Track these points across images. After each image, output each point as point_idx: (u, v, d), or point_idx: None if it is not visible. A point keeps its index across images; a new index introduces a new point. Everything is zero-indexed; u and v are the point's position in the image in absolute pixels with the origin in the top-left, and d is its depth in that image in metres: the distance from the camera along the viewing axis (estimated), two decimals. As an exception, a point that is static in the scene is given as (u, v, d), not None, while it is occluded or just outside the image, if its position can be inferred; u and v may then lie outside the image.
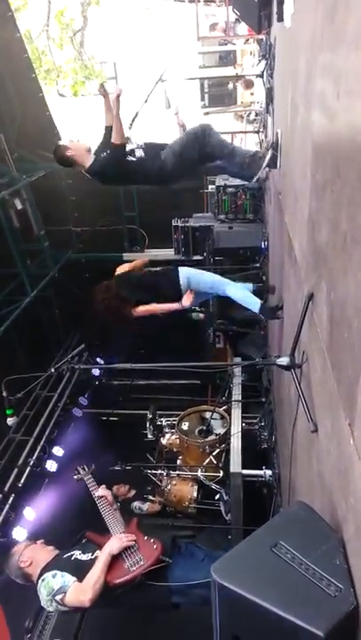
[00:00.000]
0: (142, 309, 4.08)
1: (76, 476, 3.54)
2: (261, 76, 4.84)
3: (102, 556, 2.88)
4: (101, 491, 3.36)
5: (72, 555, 3.00)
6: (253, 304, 3.95)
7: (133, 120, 4.85)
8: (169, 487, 4.57)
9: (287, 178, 2.86)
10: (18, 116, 6.03)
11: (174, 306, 4.08)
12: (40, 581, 2.84)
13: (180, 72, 7.15)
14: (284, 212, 3.00)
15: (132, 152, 3.95)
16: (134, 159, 3.93)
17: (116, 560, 2.91)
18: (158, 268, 4.39)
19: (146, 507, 4.61)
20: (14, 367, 5.67)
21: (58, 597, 2.74)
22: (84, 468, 3.54)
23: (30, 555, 3.03)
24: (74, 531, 3.78)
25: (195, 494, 4.51)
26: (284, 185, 3.06)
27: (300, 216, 2.18)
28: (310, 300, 1.86)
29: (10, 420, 3.01)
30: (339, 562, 1.23)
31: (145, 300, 4.10)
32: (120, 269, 4.31)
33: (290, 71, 2.65)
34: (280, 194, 3.34)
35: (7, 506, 4.63)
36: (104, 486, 3.42)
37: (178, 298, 4.09)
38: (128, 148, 3.94)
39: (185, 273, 4.17)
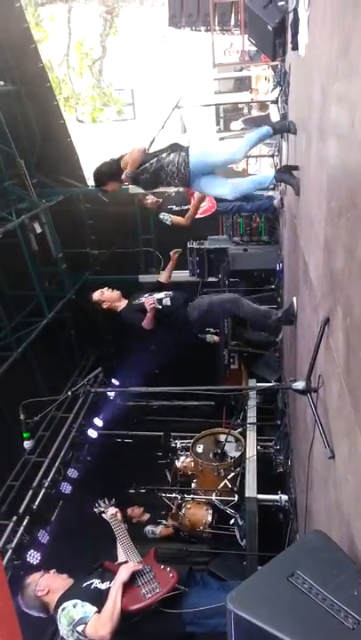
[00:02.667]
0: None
1: (96, 509, 3.56)
2: (276, 102, 4.91)
3: (115, 585, 2.86)
4: (112, 509, 3.37)
5: (91, 583, 2.97)
6: (266, 178, 3.99)
7: (150, 145, 4.95)
8: (183, 511, 4.52)
9: (302, 203, 2.89)
10: (38, 143, 6.19)
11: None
12: (60, 610, 2.80)
13: (196, 98, 7.28)
14: (300, 236, 3.02)
15: (160, 300, 4.11)
16: (160, 306, 4.07)
17: (132, 587, 2.91)
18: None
19: (159, 530, 4.56)
20: (31, 388, 5.74)
21: (79, 628, 2.70)
22: (104, 501, 3.57)
23: (46, 583, 2.99)
24: (87, 554, 3.75)
25: (209, 519, 4.45)
26: (300, 210, 3.08)
27: (316, 241, 2.19)
28: (326, 324, 1.86)
29: (27, 444, 3.02)
30: (357, 593, 1.21)
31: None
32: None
33: (304, 98, 2.69)
34: (295, 218, 3.37)
35: (22, 528, 4.61)
36: (114, 502, 3.47)
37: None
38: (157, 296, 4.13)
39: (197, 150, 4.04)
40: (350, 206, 1.42)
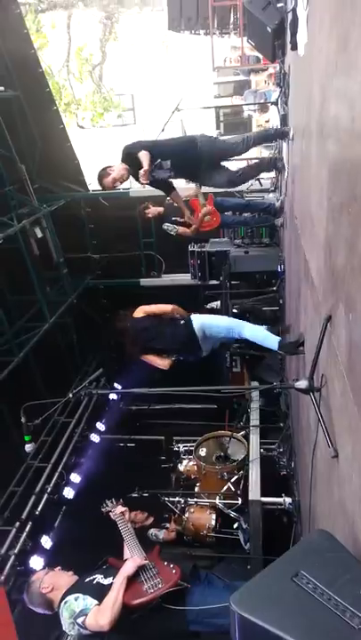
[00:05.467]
0: (149, 358, 4.30)
1: (103, 509, 3.57)
2: (276, 103, 4.92)
3: (118, 578, 2.87)
4: (120, 508, 3.38)
5: (94, 578, 2.99)
6: (273, 342, 3.79)
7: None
8: (187, 515, 4.49)
9: (303, 201, 2.88)
10: (38, 148, 6.21)
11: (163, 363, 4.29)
12: (62, 604, 2.83)
13: (196, 102, 7.31)
14: (301, 235, 3.01)
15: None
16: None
17: (135, 583, 2.91)
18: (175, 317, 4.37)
19: (162, 534, 4.52)
20: (32, 392, 5.72)
21: (79, 620, 2.73)
22: (112, 501, 3.58)
23: (51, 580, 3.02)
24: (91, 559, 3.73)
25: (213, 522, 4.41)
26: (300, 208, 3.07)
27: (317, 239, 2.18)
28: (328, 322, 1.85)
29: (28, 447, 3.01)
30: (362, 593, 1.19)
31: (158, 348, 4.25)
32: (139, 312, 4.31)
33: (304, 97, 2.69)
34: (296, 217, 3.36)
35: (24, 534, 4.59)
36: (122, 502, 3.49)
37: (194, 347, 4.20)
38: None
39: (199, 322, 4.13)
40: (351, 200, 1.41)
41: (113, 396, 6.54)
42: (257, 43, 4.80)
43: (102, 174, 4.50)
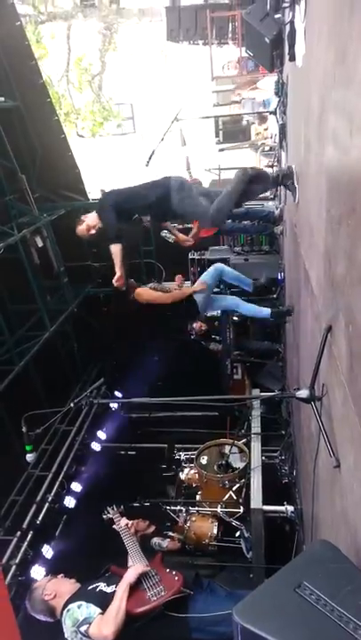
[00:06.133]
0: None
1: (104, 516, 3.57)
2: (275, 112, 4.96)
3: (121, 586, 2.87)
4: (124, 520, 3.37)
5: (97, 586, 2.99)
6: (264, 312, 4.41)
7: (150, 158, 4.99)
8: (188, 524, 4.47)
9: (302, 211, 2.89)
10: (39, 157, 6.24)
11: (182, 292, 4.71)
12: (65, 612, 2.82)
13: (195, 111, 7.35)
14: (300, 244, 3.02)
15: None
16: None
17: (137, 591, 2.91)
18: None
19: (165, 543, 4.51)
20: (33, 401, 5.72)
21: (83, 628, 2.71)
22: (113, 508, 3.58)
23: (54, 587, 3.02)
24: (93, 567, 3.72)
25: (215, 531, 4.40)
26: (300, 218, 3.09)
27: (316, 249, 2.19)
28: (328, 332, 1.86)
29: (29, 457, 3.00)
30: (366, 603, 1.19)
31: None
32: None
33: (303, 108, 2.71)
34: (295, 226, 3.38)
35: (25, 543, 4.57)
36: (122, 509, 3.49)
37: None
38: None
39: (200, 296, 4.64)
40: (350, 213, 1.42)
41: (114, 405, 6.53)
42: (255, 53, 4.84)
43: (77, 223, 4.58)
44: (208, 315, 5.06)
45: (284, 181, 3.38)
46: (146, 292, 5.03)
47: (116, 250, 4.23)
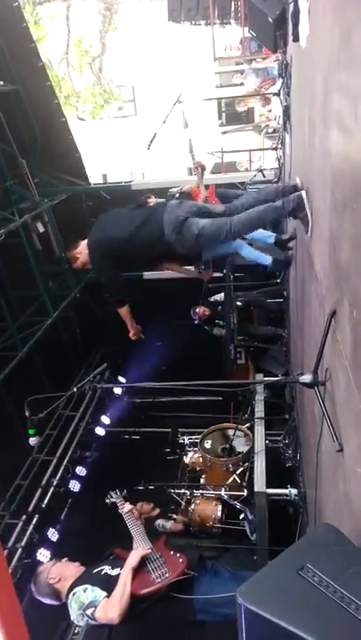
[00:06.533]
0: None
1: (108, 500, 3.60)
2: (278, 94, 4.89)
3: (125, 569, 2.92)
4: (128, 506, 3.41)
5: (102, 569, 3.04)
6: (267, 260, 3.96)
7: (152, 141, 4.94)
8: (192, 507, 4.52)
9: (307, 194, 2.87)
10: (39, 142, 6.19)
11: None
12: (71, 595, 2.87)
13: (198, 93, 7.26)
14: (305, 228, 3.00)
15: None
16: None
17: (142, 573, 2.96)
18: None
19: (169, 525, 4.56)
20: (37, 387, 5.74)
21: (89, 612, 2.77)
22: (116, 492, 3.61)
23: (58, 571, 3.06)
24: (98, 550, 3.77)
25: (219, 514, 4.45)
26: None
27: (321, 234, 2.18)
28: (333, 317, 1.85)
29: (32, 440, 3.03)
30: (368, 585, 1.20)
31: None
32: None
33: (307, 90, 2.67)
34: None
35: (31, 527, 4.63)
36: (125, 493, 3.53)
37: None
38: None
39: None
40: (355, 196, 1.41)
41: (117, 390, 6.56)
42: (258, 33, 4.75)
43: (69, 257, 4.06)
44: (205, 260, 4.37)
45: (297, 214, 2.88)
46: None
47: (124, 312, 3.90)
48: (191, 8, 8.68)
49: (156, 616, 2.94)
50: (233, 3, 8.24)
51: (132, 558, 2.99)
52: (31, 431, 3.00)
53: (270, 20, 4.03)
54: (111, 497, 3.60)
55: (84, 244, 3.86)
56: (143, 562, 3.02)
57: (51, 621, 3.90)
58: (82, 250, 3.87)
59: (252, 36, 5.36)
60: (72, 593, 2.87)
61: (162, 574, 2.97)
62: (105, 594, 2.81)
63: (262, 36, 4.65)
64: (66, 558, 3.24)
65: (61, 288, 6.43)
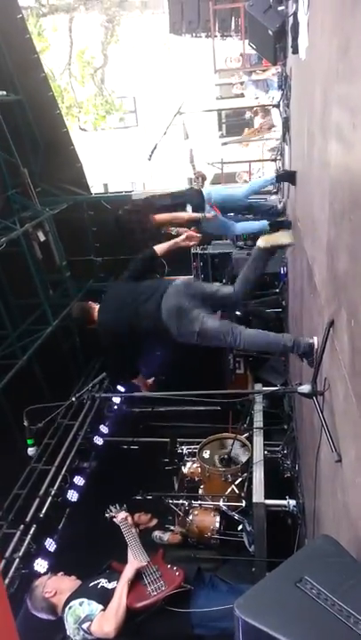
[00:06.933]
0: (163, 217, 4.20)
1: (107, 514, 3.57)
2: (278, 105, 4.93)
3: (120, 582, 2.90)
4: (122, 513, 3.38)
5: (98, 583, 3.02)
6: (260, 224, 4.20)
7: (153, 151, 4.98)
8: (190, 517, 4.49)
9: (305, 206, 2.88)
10: (41, 151, 6.23)
11: (194, 215, 4.27)
12: (67, 609, 2.85)
13: (198, 104, 7.32)
14: (303, 239, 3.01)
15: None
16: None
17: (138, 586, 2.94)
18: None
19: (167, 537, 4.53)
20: (36, 396, 5.73)
21: (85, 626, 2.75)
22: (115, 507, 3.59)
23: (54, 585, 3.04)
24: (95, 561, 3.74)
25: (217, 525, 4.41)
26: (303, 212, 3.08)
27: (319, 244, 2.18)
28: (331, 327, 1.85)
29: (30, 451, 3.02)
30: (367, 598, 1.19)
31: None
32: None
33: (306, 101, 2.69)
34: (298, 221, 3.36)
35: (29, 537, 4.59)
36: (125, 508, 3.49)
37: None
38: None
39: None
40: (353, 208, 1.42)
41: (116, 399, 6.54)
42: (258, 45, 4.81)
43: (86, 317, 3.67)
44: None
45: (306, 357, 2.72)
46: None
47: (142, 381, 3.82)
48: (192, 21, 8.78)
49: (152, 630, 2.91)
50: (233, 16, 8.33)
51: (128, 570, 2.97)
52: (29, 441, 2.99)
53: (270, 32, 4.08)
54: (110, 511, 3.59)
55: (97, 308, 3.60)
56: (139, 575, 3.00)
57: (47, 634, 3.86)
58: (95, 309, 3.62)
59: (253, 48, 5.42)
60: (68, 607, 2.85)
61: (158, 587, 2.95)
62: (101, 607, 2.79)
63: (262, 49, 4.71)
64: (62, 572, 3.21)
65: (62, 297, 6.44)
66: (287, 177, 3.85)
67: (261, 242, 3.20)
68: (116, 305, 3.47)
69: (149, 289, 3.32)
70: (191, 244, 4.13)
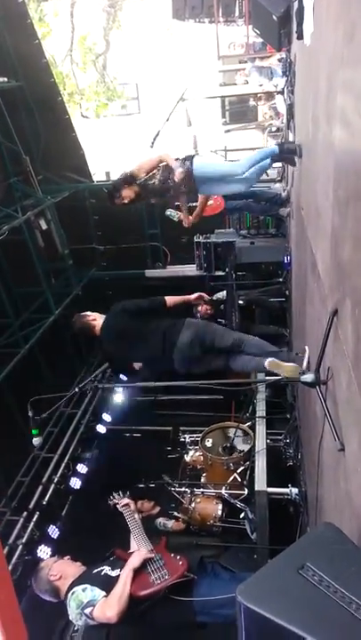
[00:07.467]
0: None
1: (110, 501, 3.59)
2: (282, 92, 4.87)
3: (126, 570, 2.91)
4: (125, 499, 3.40)
5: (102, 570, 3.04)
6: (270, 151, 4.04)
7: (155, 138, 4.93)
8: (193, 505, 4.52)
9: (309, 193, 2.86)
10: (43, 139, 6.19)
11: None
12: (70, 594, 2.87)
13: (201, 91, 7.24)
14: (307, 227, 2.99)
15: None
16: None
17: (141, 574, 2.95)
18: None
19: (171, 524, 4.56)
20: (38, 384, 5.75)
21: (87, 611, 2.76)
22: (119, 494, 3.63)
23: (59, 569, 3.07)
24: (98, 548, 3.77)
25: (219, 513, 4.45)
26: (306, 200, 3.05)
27: (323, 232, 2.17)
28: (335, 315, 1.84)
29: (35, 440, 3.03)
30: (368, 585, 1.20)
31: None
32: None
33: (311, 88, 2.66)
34: (302, 209, 3.34)
35: (32, 524, 4.64)
36: (128, 494, 3.48)
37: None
38: None
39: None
40: (358, 194, 1.40)
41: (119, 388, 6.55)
42: (262, 31, 4.75)
43: (84, 325, 3.94)
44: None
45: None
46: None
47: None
48: (195, 6, 8.67)
49: (155, 618, 2.93)
50: (237, 1, 8.21)
51: (135, 559, 2.98)
52: (34, 431, 3.00)
53: (275, 18, 4.02)
54: (114, 498, 3.61)
55: (98, 324, 3.86)
56: (143, 563, 3.01)
57: (50, 619, 3.90)
58: (97, 325, 3.88)
59: (257, 34, 5.35)
60: (71, 592, 2.87)
61: (161, 576, 2.96)
62: (104, 594, 2.81)
63: (266, 34, 4.65)
64: (68, 557, 3.24)
65: (64, 285, 6.44)
66: (289, 151, 3.77)
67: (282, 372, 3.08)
68: (122, 341, 3.77)
69: (159, 336, 3.65)
70: (201, 308, 4.93)
